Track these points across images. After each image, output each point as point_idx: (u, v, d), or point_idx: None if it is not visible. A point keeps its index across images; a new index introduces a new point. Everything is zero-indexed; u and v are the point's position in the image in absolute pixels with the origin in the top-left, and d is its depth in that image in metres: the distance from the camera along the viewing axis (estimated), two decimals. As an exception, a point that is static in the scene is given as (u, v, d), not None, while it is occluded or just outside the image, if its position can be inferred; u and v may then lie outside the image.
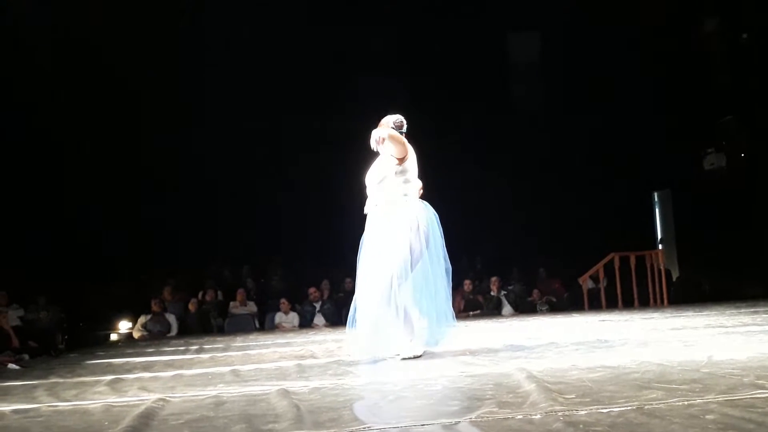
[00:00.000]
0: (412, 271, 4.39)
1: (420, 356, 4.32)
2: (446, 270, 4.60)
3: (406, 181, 4.56)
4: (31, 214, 11.01)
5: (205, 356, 5.71)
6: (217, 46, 11.25)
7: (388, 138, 4.39)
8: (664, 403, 2.28)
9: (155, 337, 9.85)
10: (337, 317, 10.77)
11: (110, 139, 11.71)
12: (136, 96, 11.37)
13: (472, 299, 11.22)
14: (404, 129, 4.78)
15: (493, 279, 11.56)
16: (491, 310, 11.13)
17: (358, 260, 4.61)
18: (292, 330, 10.08)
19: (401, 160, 4.51)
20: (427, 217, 4.54)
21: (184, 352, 6.39)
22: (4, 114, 10.26)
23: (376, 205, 4.60)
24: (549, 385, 2.70)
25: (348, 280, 10.99)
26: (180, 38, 10.84)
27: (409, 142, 4.66)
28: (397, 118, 4.79)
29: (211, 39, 11.12)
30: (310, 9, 11.19)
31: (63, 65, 10.80)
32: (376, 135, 4.36)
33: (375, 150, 4.63)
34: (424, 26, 11.73)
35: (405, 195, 4.54)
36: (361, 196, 4.78)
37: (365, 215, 4.68)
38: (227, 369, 4.28)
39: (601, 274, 11.01)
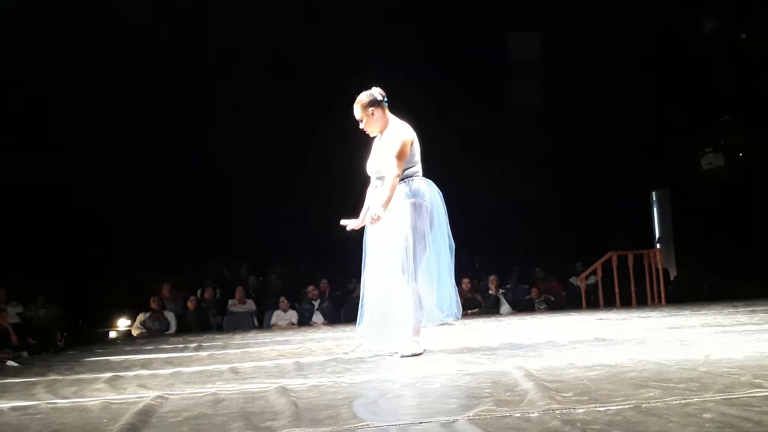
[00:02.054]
0: (415, 254, 4.22)
1: (420, 354, 4.27)
2: (450, 248, 4.44)
3: (413, 164, 4.37)
4: (31, 212, 11.02)
5: (203, 354, 5.72)
6: (216, 49, 11.26)
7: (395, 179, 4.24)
8: (661, 401, 2.29)
9: (154, 335, 9.85)
10: (336, 315, 10.79)
11: (110, 138, 11.72)
12: (135, 96, 11.37)
13: (471, 298, 11.22)
14: (385, 100, 4.42)
15: (492, 278, 11.58)
16: (489, 308, 11.15)
17: (363, 243, 4.47)
18: (290, 328, 10.09)
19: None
20: (430, 194, 4.35)
21: (182, 350, 6.40)
22: (2, 112, 10.27)
23: (377, 187, 4.40)
24: (547, 384, 2.71)
25: (354, 280, 10.95)
26: (177, 40, 10.84)
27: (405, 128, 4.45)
28: (375, 94, 4.40)
29: (210, 41, 11.14)
30: (309, 7, 11.21)
31: (62, 64, 10.80)
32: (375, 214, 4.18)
33: (365, 131, 4.48)
34: (422, 25, 11.73)
35: (406, 177, 4.31)
36: (359, 195, 4.73)
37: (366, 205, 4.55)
38: (226, 367, 4.28)
39: (599, 273, 11.02)
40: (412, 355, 4.19)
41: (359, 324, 4.49)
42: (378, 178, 4.42)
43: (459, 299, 4.55)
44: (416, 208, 4.26)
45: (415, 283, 4.24)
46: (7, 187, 10.60)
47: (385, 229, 4.29)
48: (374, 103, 4.39)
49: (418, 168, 4.40)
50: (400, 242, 4.22)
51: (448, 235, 4.47)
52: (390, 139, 4.35)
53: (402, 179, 4.29)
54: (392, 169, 4.23)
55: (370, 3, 11.27)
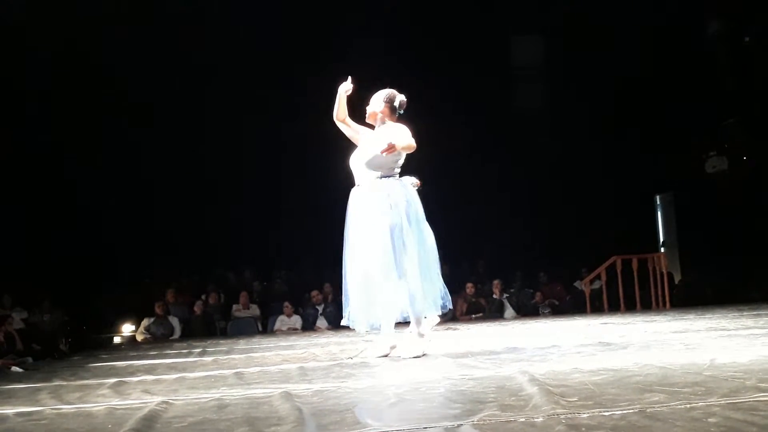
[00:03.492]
0: (400, 249, 4.43)
1: (421, 356, 4.37)
2: (431, 246, 4.64)
3: (398, 165, 4.61)
4: (36, 218, 11.05)
5: (208, 359, 5.72)
6: (215, 46, 11.29)
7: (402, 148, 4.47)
8: (666, 406, 2.29)
9: (158, 340, 9.86)
10: (340, 320, 10.76)
11: (112, 141, 11.74)
12: (136, 99, 11.39)
13: (475, 302, 11.22)
14: (400, 111, 4.71)
15: (495, 282, 11.58)
16: (493, 313, 11.13)
17: (345, 238, 4.66)
18: (294, 333, 10.10)
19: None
20: (404, 194, 4.57)
21: (187, 355, 6.40)
22: (7, 117, 10.32)
23: (359, 185, 4.64)
24: (551, 388, 2.71)
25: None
26: (177, 37, 10.87)
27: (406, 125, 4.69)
28: (396, 98, 4.70)
29: (210, 38, 11.18)
30: (305, 10, 11.24)
31: (61, 67, 10.84)
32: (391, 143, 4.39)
33: (372, 123, 4.75)
34: (421, 27, 11.74)
35: (382, 176, 4.55)
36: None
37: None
38: (230, 372, 4.28)
39: (603, 277, 11.00)
40: (413, 358, 4.35)
41: (346, 315, 4.72)
42: (363, 172, 4.60)
43: (447, 292, 4.73)
44: (395, 206, 4.48)
45: (404, 278, 4.43)
46: (10, 191, 10.64)
47: (367, 226, 4.50)
48: (390, 102, 4.69)
49: (398, 171, 4.64)
50: (386, 239, 4.42)
51: (427, 230, 4.67)
52: (393, 133, 4.53)
53: (384, 176, 4.55)
54: (411, 141, 4.49)
55: (370, 3, 11.30)
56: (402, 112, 4.72)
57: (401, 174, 4.70)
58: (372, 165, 4.54)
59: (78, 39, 10.53)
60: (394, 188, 4.54)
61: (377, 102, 4.70)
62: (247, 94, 11.88)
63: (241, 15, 11.06)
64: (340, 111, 4.79)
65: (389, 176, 4.56)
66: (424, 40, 11.79)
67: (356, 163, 4.64)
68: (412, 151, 4.50)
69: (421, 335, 4.52)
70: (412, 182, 6.34)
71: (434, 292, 4.59)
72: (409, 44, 11.63)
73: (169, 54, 11.06)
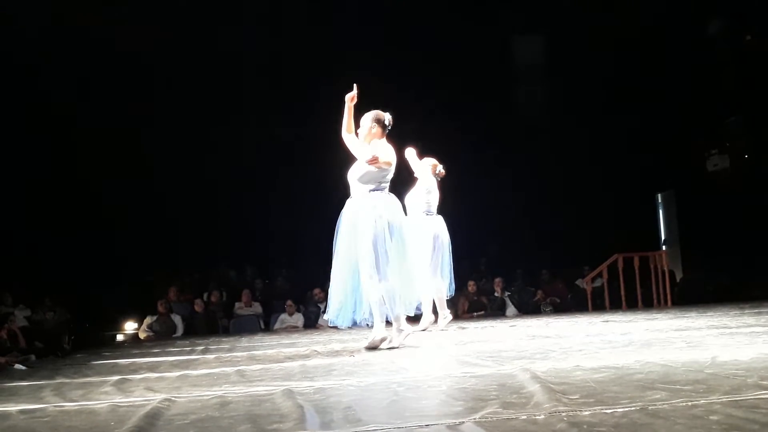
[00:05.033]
0: (378, 256, 4.93)
1: (396, 347, 4.94)
2: (446, 244, 5.54)
3: (385, 181, 5.11)
4: (37, 217, 11.06)
5: (210, 357, 5.73)
6: (211, 48, 11.31)
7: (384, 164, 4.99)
8: (667, 403, 2.29)
9: (161, 338, 9.88)
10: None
11: (112, 141, 11.74)
12: (136, 97, 11.40)
13: (476, 300, 11.23)
14: (389, 128, 5.26)
15: (497, 280, 11.59)
16: (495, 311, 11.14)
17: (334, 246, 5.17)
18: (296, 330, 10.11)
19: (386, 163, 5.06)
20: (390, 207, 5.08)
21: (189, 353, 6.41)
22: (9, 116, 10.34)
23: (352, 197, 5.14)
24: (553, 386, 2.71)
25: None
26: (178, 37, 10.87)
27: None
28: (385, 117, 5.25)
29: (207, 40, 11.19)
30: (305, 9, 11.24)
31: (61, 66, 10.84)
32: (374, 157, 4.92)
33: (364, 141, 5.23)
34: (422, 29, 11.72)
35: (372, 190, 5.05)
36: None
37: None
38: (232, 369, 4.29)
39: (605, 275, 11.00)
40: (388, 348, 4.91)
41: (328, 311, 5.24)
42: (356, 185, 5.13)
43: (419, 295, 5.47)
44: (380, 218, 4.98)
45: (385, 281, 4.95)
46: (14, 188, 10.65)
47: (355, 235, 5.02)
48: (380, 122, 5.26)
49: (386, 185, 5.16)
50: (370, 247, 4.93)
51: (443, 230, 5.94)
52: (380, 152, 5.06)
53: (374, 189, 5.06)
54: (390, 159, 5.10)
55: (372, 5, 11.28)
56: (390, 128, 5.25)
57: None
58: (364, 179, 5.06)
59: (78, 37, 10.54)
60: (381, 202, 5.06)
61: (369, 123, 5.23)
62: (250, 95, 11.88)
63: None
64: (349, 125, 5.21)
65: (378, 190, 5.07)
66: (429, 41, 11.77)
67: (351, 176, 5.15)
68: (389, 167, 5.07)
69: (400, 330, 5.07)
70: (438, 170, 6.80)
71: (413, 294, 5.22)
72: (414, 46, 11.62)
73: (171, 52, 11.07)
